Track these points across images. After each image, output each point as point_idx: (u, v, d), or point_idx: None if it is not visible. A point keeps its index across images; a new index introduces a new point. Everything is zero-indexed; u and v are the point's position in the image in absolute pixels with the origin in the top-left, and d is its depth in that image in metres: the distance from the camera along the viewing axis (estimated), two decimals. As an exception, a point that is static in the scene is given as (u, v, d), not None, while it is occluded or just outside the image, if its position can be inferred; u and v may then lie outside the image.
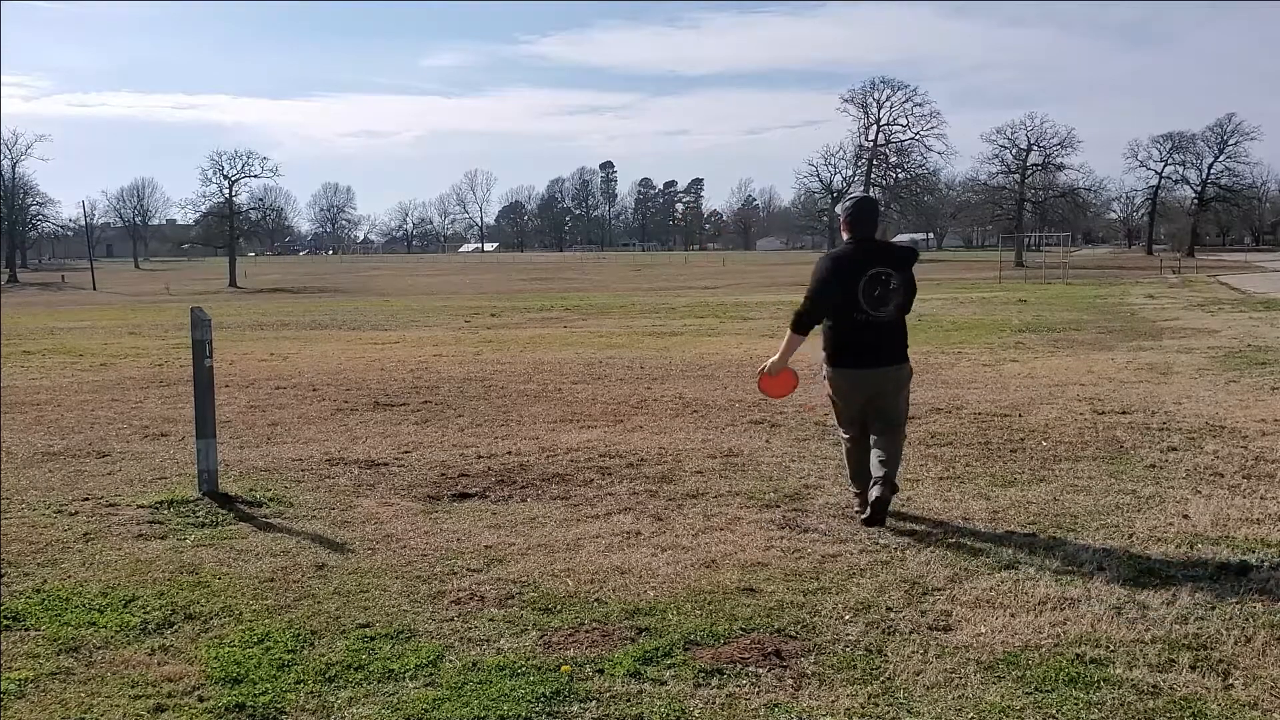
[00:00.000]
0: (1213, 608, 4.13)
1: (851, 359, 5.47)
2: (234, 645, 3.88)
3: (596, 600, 4.33)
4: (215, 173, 71.57)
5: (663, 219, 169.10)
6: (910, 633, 3.93)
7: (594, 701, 3.39)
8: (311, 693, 3.49)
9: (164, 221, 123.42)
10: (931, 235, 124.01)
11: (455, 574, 4.70)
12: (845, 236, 5.57)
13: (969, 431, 7.96)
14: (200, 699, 3.45)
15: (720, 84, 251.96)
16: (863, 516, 5.41)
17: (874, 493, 5.34)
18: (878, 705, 3.35)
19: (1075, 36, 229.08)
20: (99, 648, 3.89)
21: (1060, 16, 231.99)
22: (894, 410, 5.56)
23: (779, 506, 5.81)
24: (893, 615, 4.11)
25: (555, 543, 5.18)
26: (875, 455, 5.46)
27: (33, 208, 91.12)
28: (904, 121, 72.40)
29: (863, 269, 5.37)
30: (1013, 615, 4.08)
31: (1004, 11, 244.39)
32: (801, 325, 5.52)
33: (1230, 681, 3.48)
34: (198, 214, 76.85)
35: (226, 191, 71.73)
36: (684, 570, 4.70)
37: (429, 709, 3.35)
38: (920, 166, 73.75)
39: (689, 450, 7.42)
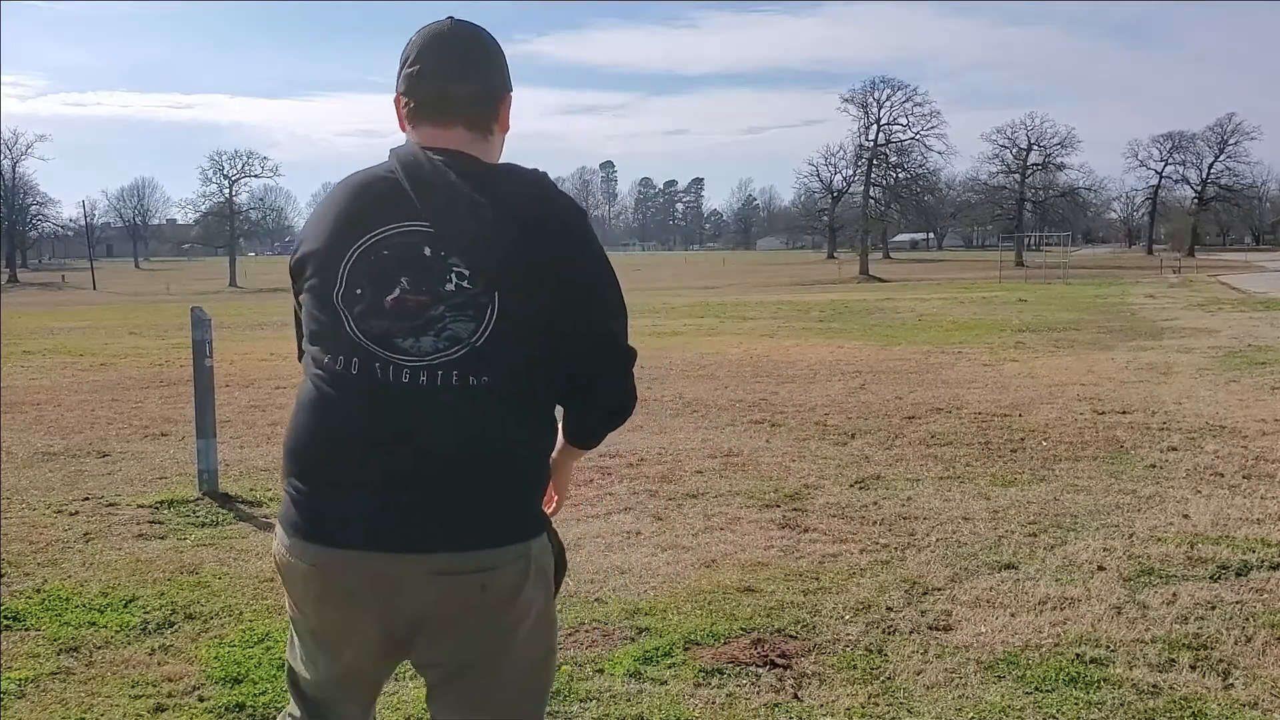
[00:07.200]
0: (1213, 608, 4.13)
1: (304, 507, 1.92)
2: (234, 645, 3.88)
3: (596, 600, 4.33)
4: (215, 172, 71.92)
5: (663, 219, 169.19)
6: (910, 633, 3.93)
7: (594, 701, 3.39)
8: (311, 693, 3.48)
9: (164, 221, 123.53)
10: (932, 235, 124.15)
11: (455, 574, 4.69)
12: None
13: (969, 431, 7.96)
14: (200, 699, 3.45)
15: (719, 83, 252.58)
16: None
17: None
18: (878, 705, 3.35)
19: (1075, 36, 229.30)
20: (99, 648, 3.89)
21: (1060, 16, 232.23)
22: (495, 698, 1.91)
23: (779, 506, 5.80)
24: (893, 615, 4.11)
25: (555, 543, 5.18)
26: None
27: (33, 208, 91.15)
28: (904, 121, 72.25)
29: (369, 221, 1.87)
30: (1013, 615, 4.08)
31: (1004, 11, 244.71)
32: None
33: (1230, 681, 3.48)
34: (198, 214, 77.15)
35: (227, 191, 71.95)
36: (684, 570, 4.70)
37: (429, 709, 3.35)
38: (920, 166, 73.63)
39: (689, 450, 7.42)
